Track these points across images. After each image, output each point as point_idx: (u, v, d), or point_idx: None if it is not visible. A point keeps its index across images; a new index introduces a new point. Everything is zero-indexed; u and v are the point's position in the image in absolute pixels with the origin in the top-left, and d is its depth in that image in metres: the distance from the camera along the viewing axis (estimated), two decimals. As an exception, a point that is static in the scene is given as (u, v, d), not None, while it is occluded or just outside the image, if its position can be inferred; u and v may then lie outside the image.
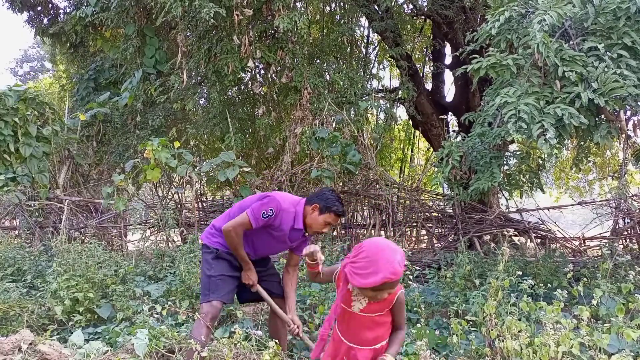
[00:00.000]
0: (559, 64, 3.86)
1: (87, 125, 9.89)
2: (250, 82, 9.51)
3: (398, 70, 9.98)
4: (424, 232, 8.80)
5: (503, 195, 8.70)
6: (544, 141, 3.79)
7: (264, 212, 3.21)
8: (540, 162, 5.89)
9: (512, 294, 3.58)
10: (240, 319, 4.36)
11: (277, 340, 3.14)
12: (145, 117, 9.54)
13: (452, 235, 8.10)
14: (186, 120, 10.15)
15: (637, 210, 7.48)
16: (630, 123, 4.67)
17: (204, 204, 9.09)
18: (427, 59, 12.48)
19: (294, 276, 3.60)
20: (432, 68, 11.60)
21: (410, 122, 11.60)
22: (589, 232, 8.40)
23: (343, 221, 7.72)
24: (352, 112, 8.18)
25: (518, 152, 5.89)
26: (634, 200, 7.66)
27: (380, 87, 11.76)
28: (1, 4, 10.75)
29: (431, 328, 4.14)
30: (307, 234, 3.41)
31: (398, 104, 9.99)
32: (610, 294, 3.99)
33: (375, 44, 11.46)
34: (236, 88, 9.45)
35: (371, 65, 11.04)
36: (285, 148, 7.66)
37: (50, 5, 11.17)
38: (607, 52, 3.88)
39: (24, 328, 3.89)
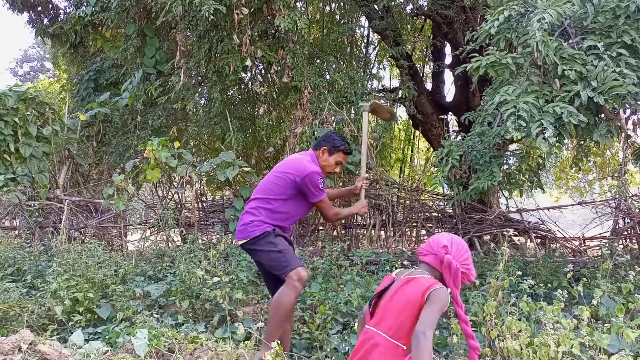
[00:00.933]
0: (559, 62, 3.85)
1: (87, 125, 9.89)
2: (250, 82, 9.51)
3: (398, 70, 9.97)
4: (424, 232, 8.80)
5: (503, 195, 8.70)
6: (543, 140, 3.79)
7: (320, 184, 3.44)
8: (540, 161, 5.88)
9: (512, 294, 3.58)
10: (241, 318, 4.36)
11: (280, 341, 3.14)
12: (145, 117, 9.54)
13: (452, 235, 8.09)
14: (187, 120, 10.16)
15: (637, 210, 7.48)
16: (630, 122, 4.66)
17: (204, 204, 9.09)
18: (427, 58, 12.47)
19: None
20: (432, 68, 11.60)
21: (410, 122, 11.59)
22: (589, 232, 8.39)
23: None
24: (352, 111, 8.17)
25: (518, 152, 5.88)
26: (634, 200, 7.65)
27: (380, 87, 11.75)
28: (1, 4, 10.76)
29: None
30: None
31: (398, 104, 9.98)
32: (610, 294, 3.99)
33: (375, 44, 11.45)
34: (236, 88, 9.45)
35: (371, 65, 11.03)
36: (286, 148, 7.66)
37: (50, 6, 11.17)
38: (607, 51, 3.88)
39: (24, 328, 3.89)
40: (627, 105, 4.13)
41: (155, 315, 4.34)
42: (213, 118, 8.67)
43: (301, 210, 3.62)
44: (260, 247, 3.44)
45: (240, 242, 3.52)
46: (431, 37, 11.10)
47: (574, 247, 8.23)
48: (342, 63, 9.38)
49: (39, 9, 11.04)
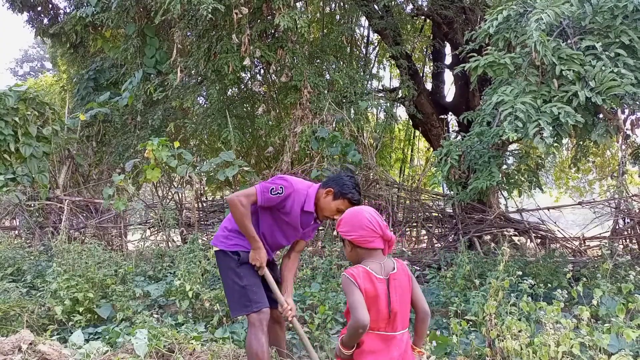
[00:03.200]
0: (557, 62, 3.86)
1: (87, 125, 9.90)
2: (250, 81, 9.52)
3: (398, 70, 9.98)
4: (424, 232, 8.80)
5: (503, 195, 8.70)
6: (540, 140, 3.79)
7: (272, 188, 3.04)
8: (540, 161, 5.89)
9: (512, 294, 3.58)
10: (240, 319, 4.36)
11: (276, 347, 3.13)
12: (145, 117, 9.54)
13: (452, 235, 8.10)
14: (185, 118, 10.17)
15: (637, 210, 7.48)
16: (628, 121, 4.67)
17: (204, 204, 9.10)
18: (427, 58, 12.47)
19: (295, 261, 3.43)
20: (432, 68, 11.60)
21: (410, 121, 11.60)
22: (589, 232, 8.39)
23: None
24: (352, 111, 8.18)
25: (517, 152, 5.89)
26: (634, 200, 7.65)
27: (380, 87, 11.76)
28: (1, 4, 10.76)
29: (431, 328, 4.15)
30: (318, 220, 3.25)
31: (398, 104, 9.99)
32: (610, 294, 3.99)
33: (375, 44, 11.46)
34: (236, 87, 9.45)
35: (371, 65, 11.04)
36: (285, 147, 7.66)
37: (50, 6, 11.17)
38: (605, 51, 3.88)
39: (24, 328, 3.90)
40: (625, 105, 4.14)
41: (155, 315, 4.35)
42: (210, 115, 8.67)
43: (273, 229, 3.21)
44: (222, 269, 3.19)
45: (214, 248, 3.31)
46: (431, 37, 11.10)
47: (574, 247, 8.23)
48: (342, 63, 9.39)
49: (39, 8, 11.04)
